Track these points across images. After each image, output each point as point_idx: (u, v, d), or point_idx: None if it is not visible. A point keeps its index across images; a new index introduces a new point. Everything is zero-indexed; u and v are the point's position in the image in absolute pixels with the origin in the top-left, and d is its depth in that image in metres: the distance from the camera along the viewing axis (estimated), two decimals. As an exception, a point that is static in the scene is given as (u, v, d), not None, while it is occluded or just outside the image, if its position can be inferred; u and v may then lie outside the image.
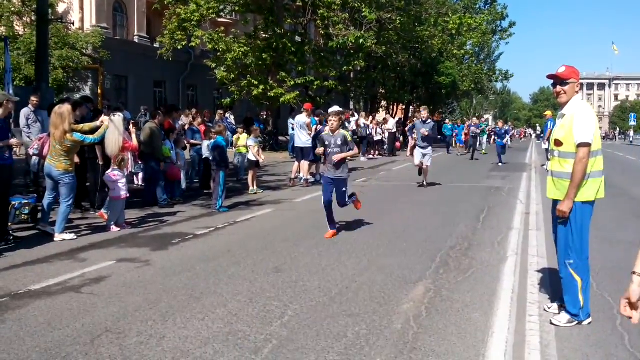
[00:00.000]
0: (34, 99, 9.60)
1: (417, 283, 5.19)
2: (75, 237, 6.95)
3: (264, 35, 23.19)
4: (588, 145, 3.94)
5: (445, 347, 3.74)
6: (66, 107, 7.05)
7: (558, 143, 4.13)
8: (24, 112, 9.29)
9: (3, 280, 5.17)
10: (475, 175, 15.75)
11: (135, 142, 8.62)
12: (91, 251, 6.38)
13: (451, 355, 3.63)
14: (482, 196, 11.50)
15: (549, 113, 19.38)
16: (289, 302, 4.59)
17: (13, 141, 6.58)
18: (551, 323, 4.17)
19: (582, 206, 4.05)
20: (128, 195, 8.03)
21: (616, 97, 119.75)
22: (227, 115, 20.63)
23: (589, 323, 4.13)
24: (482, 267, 5.82)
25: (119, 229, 7.55)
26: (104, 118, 7.50)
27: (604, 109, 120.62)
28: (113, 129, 8.21)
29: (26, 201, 7.69)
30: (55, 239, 6.82)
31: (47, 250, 6.35)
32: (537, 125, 70.03)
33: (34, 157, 8.93)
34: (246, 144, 12.20)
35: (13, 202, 7.35)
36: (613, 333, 4.04)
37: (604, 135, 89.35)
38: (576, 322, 4.10)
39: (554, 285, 4.84)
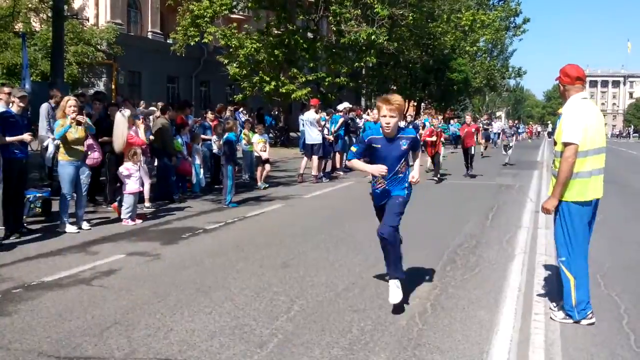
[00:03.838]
0: (55, 94, 9.52)
1: (423, 280, 5.21)
2: (78, 231, 7.05)
3: (276, 32, 23.21)
4: (573, 144, 3.94)
5: (449, 344, 3.77)
6: (64, 99, 7.28)
7: (554, 142, 4.22)
8: (44, 107, 9.40)
9: (17, 271, 5.29)
10: (486, 173, 15.66)
11: (142, 137, 8.71)
12: (102, 244, 6.49)
13: (455, 352, 3.65)
14: (492, 194, 11.45)
15: (561, 110, 19.14)
16: (295, 297, 4.64)
17: (25, 137, 6.67)
18: (550, 318, 4.20)
19: (568, 205, 4.06)
20: (141, 189, 8.15)
21: (631, 94, 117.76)
22: (240, 110, 20.71)
23: (591, 323, 4.11)
24: (489, 264, 5.82)
25: (134, 222, 7.66)
26: (79, 118, 7.16)
27: (618, 106, 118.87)
28: (118, 124, 8.32)
29: (40, 194, 7.83)
30: (59, 230, 6.98)
31: (60, 243, 6.47)
32: (549, 122, 69.01)
33: (49, 152, 9.06)
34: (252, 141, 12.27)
35: (28, 195, 7.48)
36: (619, 333, 4.03)
37: (617, 133, 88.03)
38: (571, 320, 4.11)
39: (560, 283, 4.82)
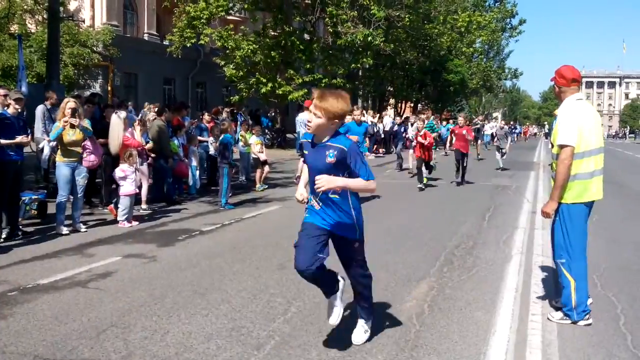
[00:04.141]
0: (51, 96, 9.44)
1: (420, 281, 5.21)
2: (68, 232, 7.01)
3: (272, 33, 23.23)
4: (568, 146, 3.95)
5: (446, 345, 3.77)
6: (64, 101, 7.28)
7: (552, 144, 4.24)
8: (40, 108, 9.36)
9: (13, 274, 5.26)
10: (482, 174, 15.68)
11: (138, 138, 8.70)
12: (98, 246, 6.46)
13: (452, 353, 3.65)
14: (489, 195, 11.47)
15: (557, 112, 19.09)
16: (292, 299, 4.63)
17: (19, 139, 6.63)
18: (548, 319, 4.22)
19: (568, 207, 4.07)
20: (137, 191, 8.12)
21: (627, 95, 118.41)
22: (242, 111, 20.71)
23: (589, 324, 4.12)
24: (486, 265, 5.82)
25: (130, 224, 7.63)
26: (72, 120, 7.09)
27: (614, 107, 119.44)
28: (114, 127, 8.31)
29: (36, 197, 7.80)
30: (55, 232, 6.97)
31: (56, 245, 6.44)
32: (546, 123, 69.20)
33: (44, 153, 9.02)
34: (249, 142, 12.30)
35: (23, 198, 7.45)
36: (616, 333, 4.03)
37: (613, 133, 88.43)
38: (570, 320, 4.11)
39: (557, 283, 4.83)
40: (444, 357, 3.59)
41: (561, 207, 4.10)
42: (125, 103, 12.23)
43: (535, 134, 62.89)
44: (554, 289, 4.89)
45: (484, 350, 3.70)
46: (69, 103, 7.16)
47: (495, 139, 19.26)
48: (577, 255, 4.10)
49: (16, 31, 20.72)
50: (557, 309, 4.30)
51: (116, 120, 8.36)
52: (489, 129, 30.63)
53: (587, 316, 4.13)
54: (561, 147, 3.99)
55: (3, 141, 6.45)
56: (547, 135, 48.50)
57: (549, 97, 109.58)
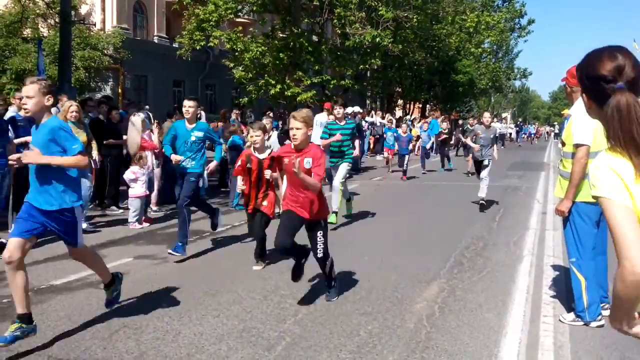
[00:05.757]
0: (63, 99, 9.49)
1: (430, 282, 5.20)
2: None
3: (281, 35, 23.27)
4: (584, 145, 3.95)
5: (457, 346, 3.76)
6: (65, 104, 7.45)
7: (562, 143, 4.26)
8: (53, 111, 9.45)
9: (26, 275, 5.31)
10: (491, 174, 15.56)
11: (156, 141, 8.77)
12: (110, 248, 6.52)
13: (463, 355, 3.64)
14: (499, 195, 11.40)
15: (567, 111, 18.91)
16: (302, 300, 4.64)
17: (28, 138, 6.72)
18: (559, 320, 4.19)
19: (576, 206, 4.07)
20: (147, 193, 8.17)
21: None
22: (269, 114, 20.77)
23: (601, 326, 4.08)
24: (496, 267, 5.80)
25: (141, 226, 7.69)
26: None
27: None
28: (132, 129, 8.39)
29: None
30: None
31: (68, 247, 6.50)
32: (556, 123, 68.51)
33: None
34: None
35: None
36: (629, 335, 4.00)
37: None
38: (582, 322, 4.09)
39: (569, 284, 4.80)
40: (454, 358, 3.58)
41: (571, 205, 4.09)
42: (141, 105, 12.31)
43: (547, 133, 61.61)
44: (565, 291, 4.85)
45: (495, 352, 3.69)
46: (72, 107, 7.23)
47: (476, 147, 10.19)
48: (587, 254, 4.08)
49: (29, 35, 20.95)
50: (569, 310, 4.27)
51: (133, 122, 8.44)
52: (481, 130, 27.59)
53: (600, 317, 4.10)
54: (577, 146, 3.98)
55: (16, 140, 6.55)
56: (557, 135, 48.05)
57: (558, 97, 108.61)
